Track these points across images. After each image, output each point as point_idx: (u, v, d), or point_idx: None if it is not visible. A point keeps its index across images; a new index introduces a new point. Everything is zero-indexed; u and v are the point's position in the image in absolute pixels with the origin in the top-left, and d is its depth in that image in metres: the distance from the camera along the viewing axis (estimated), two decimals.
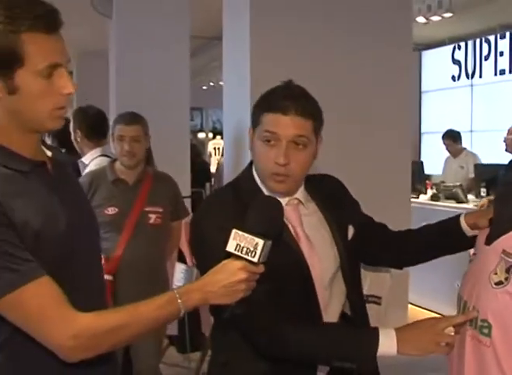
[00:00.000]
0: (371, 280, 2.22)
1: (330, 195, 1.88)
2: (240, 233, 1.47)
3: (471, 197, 6.37)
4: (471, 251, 1.89)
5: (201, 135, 17.31)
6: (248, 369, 1.77)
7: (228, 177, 4.04)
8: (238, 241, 1.46)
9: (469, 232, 1.82)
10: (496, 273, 1.59)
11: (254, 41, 3.73)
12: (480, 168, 6.45)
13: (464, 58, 9.23)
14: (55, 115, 1.45)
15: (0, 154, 1.42)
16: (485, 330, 1.59)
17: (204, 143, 16.39)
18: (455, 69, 9.44)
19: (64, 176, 1.59)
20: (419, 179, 6.64)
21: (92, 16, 7.55)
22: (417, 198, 6.56)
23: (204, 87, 13.36)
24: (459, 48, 9.30)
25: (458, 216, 1.86)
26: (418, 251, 1.98)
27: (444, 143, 7.34)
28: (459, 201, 6.21)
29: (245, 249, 1.46)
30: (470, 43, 9.05)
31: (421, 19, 6.51)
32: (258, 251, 1.45)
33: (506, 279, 1.56)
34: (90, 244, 1.58)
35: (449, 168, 7.40)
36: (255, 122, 1.74)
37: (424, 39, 9.04)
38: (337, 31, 3.92)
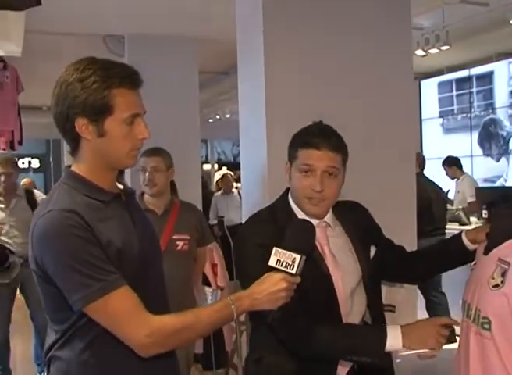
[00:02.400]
0: (387, 292, 2.53)
1: (356, 220, 2.21)
2: (280, 250, 1.79)
3: (473, 219, 6.64)
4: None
5: (207, 166, 17.63)
6: (277, 364, 2.09)
7: (246, 204, 4.26)
8: (278, 256, 1.78)
9: (470, 246, 2.16)
10: (494, 278, 1.90)
11: (269, 69, 3.94)
12: (481, 191, 6.72)
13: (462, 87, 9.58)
14: (132, 154, 1.78)
15: (86, 187, 1.75)
16: (486, 326, 1.89)
17: (209, 174, 16.70)
18: (453, 97, 9.78)
19: (134, 205, 1.92)
20: None
21: (104, 55, 7.85)
22: None
23: (211, 120, 13.69)
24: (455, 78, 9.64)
25: (460, 234, 2.20)
26: (429, 267, 2.34)
27: (444, 169, 7.64)
28: (462, 224, 6.49)
29: (284, 263, 1.77)
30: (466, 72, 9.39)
31: (419, 52, 6.82)
32: (296, 265, 1.77)
33: (502, 282, 1.87)
34: (157, 265, 1.89)
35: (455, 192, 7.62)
36: (292, 157, 2.09)
37: (423, 69, 9.34)
38: (345, 61, 4.16)
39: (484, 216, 6.19)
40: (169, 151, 3.70)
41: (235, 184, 9.58)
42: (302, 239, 1.83)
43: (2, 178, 4.92)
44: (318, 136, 2.04)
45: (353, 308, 2.12)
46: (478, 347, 1.92)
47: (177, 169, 3.77)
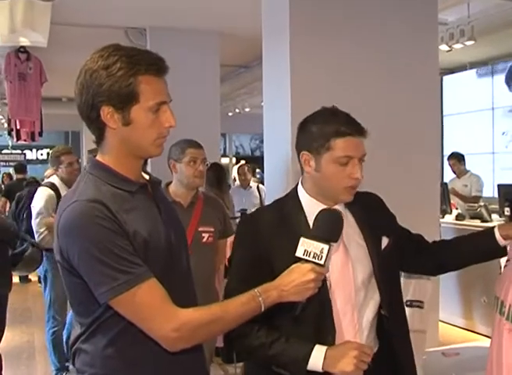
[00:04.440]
0: (414, 287, 2.50)
1: (366, 208, 2.12)
2: (307, 240, 1.76)
3: (495, 216, 6.58)
4: (503, 260, 2.17)
5: (225, 160, 17.64)
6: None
7: (269, 199, 4.25)
8: (306, 247, 1.75)
9: (502, 242, 2.10)
10: None
11: (295, 65, 3.94)
12: (503, 188, 6.66)
13: (485, 82, 9.48)
14: (158, 143, 1.72)
15: (112, 177, 1.71)
16: None
17: (227, 168, 16.71)
18: (476, 93, 9.68)
19: (160, 195, 1.88)
20: (444, 200, 6.87)
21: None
22: (443, 218, 6.76)
23: (230, 114, 13.68)
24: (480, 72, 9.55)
25: (492, 228, 2.14)
26: (455, 259, 2.25)
27: (449, 164, 7.77)
28: (483, 221, 6.42)
29: (312, 253, 1.74)
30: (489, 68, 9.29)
31: (443, 47, 6.74)
32: (324, 255, 1.74)
33: None
34: (183, 257, 1.85)
35: (453, 187, 7.79)
36: (321, 148, 1.95)
37: (446, 64, 9.26)
38: (370, 57, 4.14)
39: (506, 213, 6.15)
40: None
41: (253, 179, 9.50)
42: (330, 228, 1.80)
43: (74, 166, 5.02)
44: (348, 123, 1.96)
45: (366, 300, 2.04)
46: None
47: None
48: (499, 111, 9.04)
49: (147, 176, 1.85)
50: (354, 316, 1.99)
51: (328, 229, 1.80)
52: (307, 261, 1.74)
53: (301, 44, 3.97)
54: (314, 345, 1.86)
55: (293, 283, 1.73)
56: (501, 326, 1.96)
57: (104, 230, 1.59)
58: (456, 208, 7.27)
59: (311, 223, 1.91)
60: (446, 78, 10.28)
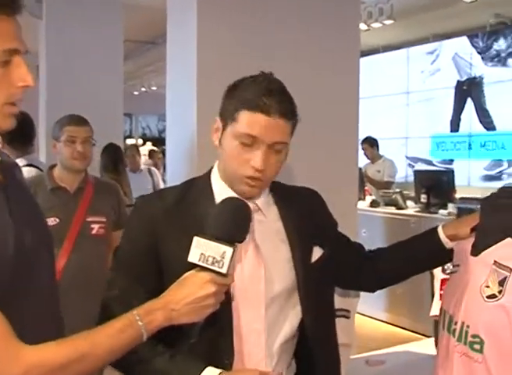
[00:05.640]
0: (339, 293, 2.12)
1: (301, 209, 1.68)
2: (203, 240, 1.31)
3: (410, 203, 6.39)
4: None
5: (130, 141, 17.00)
6: None
7: (172, 183, 3.83)
8: (202, 249, 1.30)
9: (448, 244, 1.73)
10: (488, 286, 1.51)
11: (202, 42, 3.55)
12: (420, 174, 6.49)
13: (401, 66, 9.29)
14: (6, 112, 1.22)
15: None
16: (477, 346, 1.50)
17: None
18: (391, 77, 9.49)
19: (14, 183, 1.36)
20: (358, 185, 6.63)
21: (20, 15, 7.24)
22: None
23: (136, 93, 13.06)
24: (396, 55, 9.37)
25: (435, 229, 1.76)
26: (395, 270, 1.86)
27: (362, 148, 7.50)
28: (398, 208, 6.23)
29: (211, 259, 1.30)
30: (404, 51, 9.10)
31: (362, 26, 6.48)
32: (227, 261, 1.29)
33: (500, 292, 1.48)
34: (44, 266, 1.35)
35: (367, 172, 7.59)
36: (230, 115, 1.53)
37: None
38: (287, 36, 3.78)
39: (423, 200, 5.96)
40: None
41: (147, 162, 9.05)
42: (233, 224, 1.36)
43: None
44: (267, 94, 1.50)
45: (282, 320, 1.61)
46: (465, 371, 1.54)
47: (98, 143, 3.31)
48: (413, 95, 8.87)
49: None
50: (262, 337, 1.55)
51: (230, 225, 1.36)
52: (204, 269, 1.30)
53: (210, 20, 3.53)
54: (204, 367, 1.41)
55: (185, 299, 1.30)
56: (450, 348, 1.59)
57: None
58: (370, 195, 7.07)
59: None
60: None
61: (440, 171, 7.14)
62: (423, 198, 5.96)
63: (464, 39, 7.66)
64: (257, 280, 1.55)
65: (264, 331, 1.55)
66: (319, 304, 1.68)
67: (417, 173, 6.58)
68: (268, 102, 1.49)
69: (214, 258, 1.29)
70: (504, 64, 7.32)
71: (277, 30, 3.74)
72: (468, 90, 7.76)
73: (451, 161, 7.93)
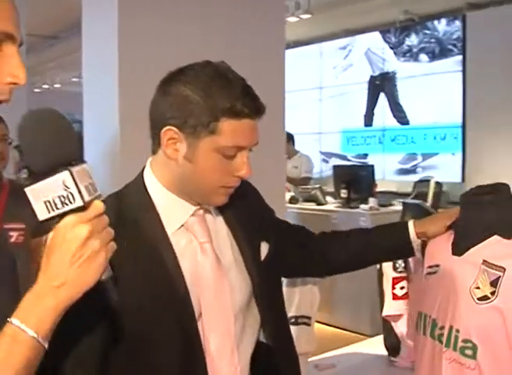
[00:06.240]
0: (300, 299, 2.00)
1: (239, 204, 1.50)
2: (35, 186, 0.99)
3: (329, 199, 6.38)
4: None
5: None
6: None
7: None
8: (42, 196, 0.99)
9: (416, 241, 1.64)
10: (479, 287, 1.42)
11: (123, 32, 3.35)
12: (339, 169, 6.49)
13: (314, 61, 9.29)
14: None
15: None
16: (469, 352, 1.41)
17: None
18: (304, 72, 9.48)
19: None
20: None
21: None
22: None
23: (37, 90, 12.50)
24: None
25: (405, 223, 1.67)
26: (352, 257, 1.73)
27: None
28: (319, 204, 6.20)
29: (58, 200, 0.99)
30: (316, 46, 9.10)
31: None
32: (74, 190, 0.98)
33: (493, 293, 1.39)
34: None
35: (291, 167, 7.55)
36: (202, 128, 1.31)
37: None
38: (212, 26, 3.65)
39: (343, 195, 5.95)
40: None
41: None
42: (54, 144, 1.02)
43: None
44: (246, 96, 1.33)
45: (245, 331, 1.47)
46: None
47: None
48: (326, 91, 8.89)
49: None
50: (234, 354, 1.41)
51: (50, 149, 1.01)
52: (60, 216, 0.98)
53: (132, 11, 3.34)
54: None
55: (63, 264, 0.95)
56: (436, 355, 1.50)
57: None
58: (289, 191, 7.01)
59: (167, 226, 1.35)
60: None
61: (360, 166, 7.19)
62: (343, 193, 5.94)
63: (377, 34, 7.75)
64: (222, 292, 1.40)
65: (234, 347, 1.41)
66: (275, 305, 1.55)
67: (336, 168, 6.57)
68: (248, 103, 1.32)
69: (60, 196, 0.99)
70: (416, 59, 7.44)
71: (204, 24, 3.60)
72: (381, 85, 7.85)
73: (365, 155, 8.00)
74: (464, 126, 6.58)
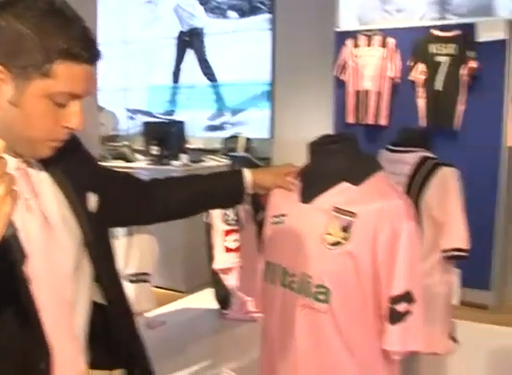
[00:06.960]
0: (140, 256, 1.91)
1: (65, 157, 1.35)
2: None
3: (139, 156, 6.26)
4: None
5: None
6: None
7: None
8: None
9: (249, 189, 1.64)
10: (330, 233, 1.44)
11: None
12: (150, 126, 6.36)
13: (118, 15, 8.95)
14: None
15: None
16: (322, 297, 1.44)
17: None
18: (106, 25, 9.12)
19: None
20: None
21: None
22: None
23: None
24: None
25: (240, 170, 1.66)
26: (185, 202, 1.68)
27: None
28: (128, 161, 6.07)
29: None
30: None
31: None
32: None
33: (345, 238, 1.42)
34: None
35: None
36: (36, 69, 1.15)
37: None
38: None
39: (155, 152, 5.86)
40: None
41: None
42: None
43: None
44: (86, 40, 1.18)
45: (80, 292, 1.35)
46: (308, 323, 1.47)
47: None
48: (132, 46, 8.65)
49: None
50: (71, 317, 1.30)
51: None
52: None
53: None
54: None
55: None
56: (289, 302, 1.51)
57: None
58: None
59: None
60: None
61: (170, 122, 7.06)
62: (154, 150, 5.85)
63: None
64: (53, 252, 1.26)
65: (70, 312, 1.30)
66: (108, 261, 1.45)
67: (146, 124, 6.44)
68: (87, 46, 1.18)
69: None
70: (225, 16, 7.44)
71: None
72: (190, 41, 7.76)
73: (172, 111, 7.91)
74: (272, 84, 6.71)
